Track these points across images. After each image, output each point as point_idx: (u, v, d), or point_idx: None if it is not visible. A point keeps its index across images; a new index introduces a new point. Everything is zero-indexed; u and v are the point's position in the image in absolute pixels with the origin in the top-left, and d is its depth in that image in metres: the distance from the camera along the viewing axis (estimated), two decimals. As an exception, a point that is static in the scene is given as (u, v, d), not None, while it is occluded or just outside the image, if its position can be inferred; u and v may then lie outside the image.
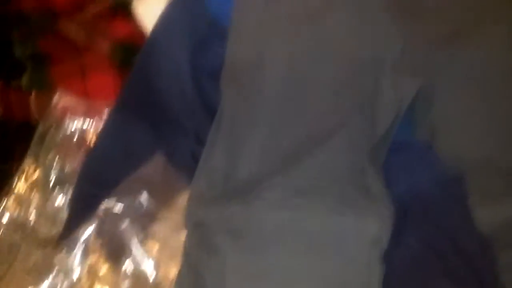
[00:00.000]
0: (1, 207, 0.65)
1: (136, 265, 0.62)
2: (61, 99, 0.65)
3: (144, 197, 0.64)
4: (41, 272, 0.62)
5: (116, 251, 0.63)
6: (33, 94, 0.69)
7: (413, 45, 0.56)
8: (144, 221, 0.64)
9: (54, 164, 0.64)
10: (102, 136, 0.62)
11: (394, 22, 0.58)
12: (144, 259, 0.62)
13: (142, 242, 0.63)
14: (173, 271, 0.60)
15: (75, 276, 0.62)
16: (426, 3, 0.60)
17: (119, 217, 0.63)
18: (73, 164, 0.63)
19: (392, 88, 0.55)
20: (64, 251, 0.62)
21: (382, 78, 0.56)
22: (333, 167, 0.52)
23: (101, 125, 0.62)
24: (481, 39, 0.56)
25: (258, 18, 0.62)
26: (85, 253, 0.62)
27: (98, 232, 0.63)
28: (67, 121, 0.64)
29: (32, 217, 0.64)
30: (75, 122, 0.64)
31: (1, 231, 0.64)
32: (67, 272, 0.62)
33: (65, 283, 0.61)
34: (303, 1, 0.62)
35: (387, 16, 0.59)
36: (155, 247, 0.63)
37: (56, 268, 0.62)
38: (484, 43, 0.56)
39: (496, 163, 0.53)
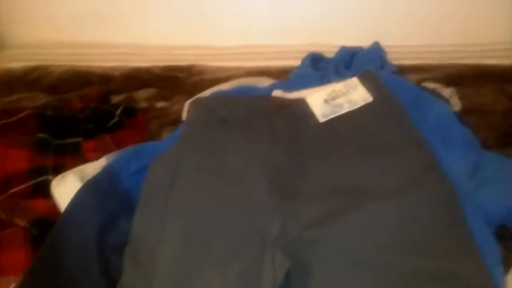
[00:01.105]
0: None
1: None
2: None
3: None
4: None
5: None
6: None
7: (288, 226, 0.65)
8: None
9: None
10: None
11: (276, 204, 0.68)
12: None
13: None
14: None
15: None
16: (303, 188, 0.71)
17: None
18: None
19: (271, 263, 0.62)
20: None
21: (266, 252, 0.64)
22: None
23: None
24: (351, 220, 0.65)
25: (163, 196, 0.71)
26: None
27: None
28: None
29: None
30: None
31: None
32: None
33: None
34: (200, 182, 0.72)
35: (270, 198, 0.69)
36: None
37: None
38: (353, 224, 0.65)
39: None
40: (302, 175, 0.72)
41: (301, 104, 0.83)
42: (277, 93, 0.88)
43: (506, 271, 0.65)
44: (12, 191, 0.79)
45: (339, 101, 0.83)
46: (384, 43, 1.07)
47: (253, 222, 0.67)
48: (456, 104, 0.94)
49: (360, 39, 1.07)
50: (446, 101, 0.91)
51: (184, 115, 0.95)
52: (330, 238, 0.64)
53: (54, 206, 0.74)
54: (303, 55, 1.06)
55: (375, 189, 0.69)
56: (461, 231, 0.65)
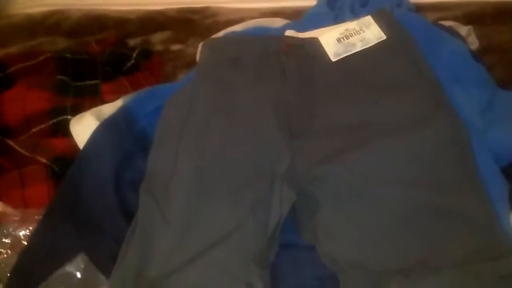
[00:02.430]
0: None
1: None
2: (-1, 208, 0.73)
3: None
4: None
5: None
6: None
7: (296, 162, 0.67)
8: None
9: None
10: (33, 235, 0.69)
11: (285, 141, 0.70)
12: None
13: None
14: None
15: None
16: (313, 126, 0.72)
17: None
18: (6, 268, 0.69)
19: (279, 197, 0.65)
20: None
21: (274, 186, 0.66)
22: (224, 264, 0.61)
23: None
24: (357, 156, 0.67)
25: (174, 133, 0.74)
26: None
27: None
28: (2, 227, 0.71)
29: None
30: (10, 229, 0.72)
31: None
32: None
33: None
34: (211, 120, 0.74)
35: (280, 135, 0.70)
36: None
37: None
38: (360, 159, 0.67)
39: (366, 265, 0.60)
40: (312, 113, 0.73)
41: (314, 43, 0.82)
42: (289, 33, 0.88)
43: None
44: (33, 130, 0.83)
45: (352, 39, 0.82)
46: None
47: (262, 158, 0.69)
48: (474, 43, 0.92)
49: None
50: (463, 39, 0.90)
51: (198, 57, 0.96)
52: (337, 173, 0.66)
53: (73, 144, 0.77)
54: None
55: (384, 126, 0.70)
56: (467, 168, 0.66)
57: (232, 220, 0.64)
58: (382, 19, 0.83)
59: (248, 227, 0.63)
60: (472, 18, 1.04)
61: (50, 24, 1.25)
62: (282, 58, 0.80)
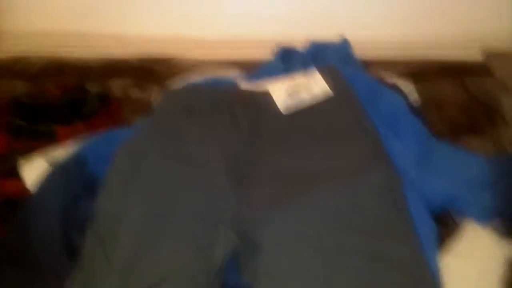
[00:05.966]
0: None
1: None
2: None
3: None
4: None
5: None
6: None
7: (241, 208, 0.70)
8: None
9: None
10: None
11: (232, 188, 0.73)
12: None
13: None
14: None
15: None
16: (259, 174, 0.75)
17: None
18: None
19: (223, 238, 0.67)
20: None
21: (219, 232, 0.69)
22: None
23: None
24: (299, 202, 0.70)
25: (125, 178, 0.76)
26: None
27: None
28: None
29: None
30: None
31: None
32: None
33: None
34: (161, 167, 0.77)
35: (227, 184, 0.74)
36: None
37: None
38: (301, 205, 0.70)
39: None
40: (259, 162, 0.77)
41: (265, 95, 0.87)
42: (242, 84, 0.93)
43: (442, 254, 0.70)
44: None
45: (300, 93, 0.87)
46: (354, 38, 1.11)
47: (210, 204, 0.72)
48: (415, 98, 0.99)
49: (336, 33, 1.11)
50: (404, 94, 0.96)
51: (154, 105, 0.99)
52: (279, 218, 0.69)
53: (24, 187, 0.79)
54: (276, 47, 1.10)
55: (324, 175, 0.74)
56: (399, 213, 0.70)
57: (174, 263, 0.66)
58: (328, 75, 0.89)
59: (190, 270, 0.65)
60: (415, 74, 1.11)
61: (12, 69, 1.26)
62: (234, 108, 0.84)
